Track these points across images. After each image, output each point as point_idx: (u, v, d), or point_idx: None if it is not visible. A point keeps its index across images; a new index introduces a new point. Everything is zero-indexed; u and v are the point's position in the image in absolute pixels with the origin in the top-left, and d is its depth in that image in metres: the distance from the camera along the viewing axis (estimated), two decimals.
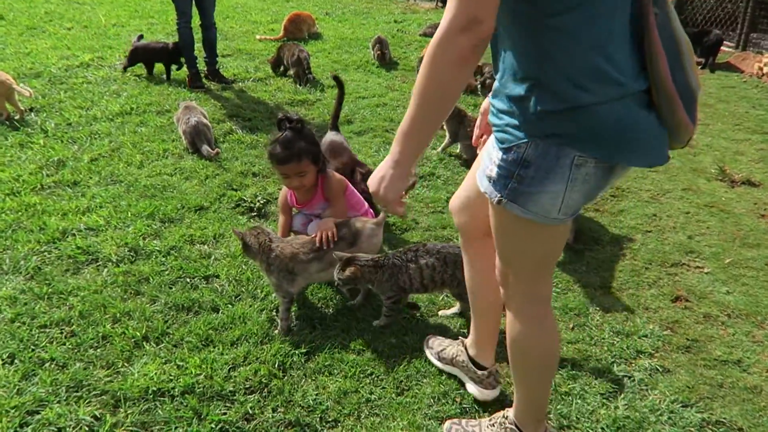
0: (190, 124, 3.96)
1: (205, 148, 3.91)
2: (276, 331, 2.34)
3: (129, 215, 3.16)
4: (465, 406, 2.04)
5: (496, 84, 1.40)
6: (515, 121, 1.32)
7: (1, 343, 2.21)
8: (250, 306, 2.48)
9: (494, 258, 1.64)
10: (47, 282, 2.58)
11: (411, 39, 7.70)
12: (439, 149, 4.20)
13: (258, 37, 7.35)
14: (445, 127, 4.13)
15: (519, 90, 1.30)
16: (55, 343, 2.23)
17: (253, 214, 3.28)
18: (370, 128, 4.65)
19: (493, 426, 1.85)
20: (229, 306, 2.49)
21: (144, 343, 2.26)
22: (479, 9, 1.13)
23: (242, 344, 2.27)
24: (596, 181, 1.34)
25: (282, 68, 5.94)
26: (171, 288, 2.60)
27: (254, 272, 2.70)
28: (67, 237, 2.93)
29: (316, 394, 2.06)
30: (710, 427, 2.00)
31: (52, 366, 2.12)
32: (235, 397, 2.03)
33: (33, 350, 2.18)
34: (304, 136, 2.44)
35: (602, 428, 1.97)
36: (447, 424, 1.95)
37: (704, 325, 2.51)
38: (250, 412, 1.98)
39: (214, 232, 3.04)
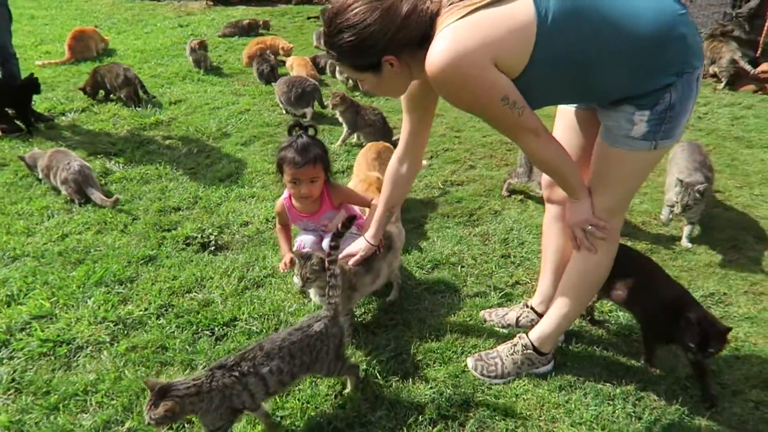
0: (73, 170, 3.36)
1: (98, 196, 3.37)
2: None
3: (73, 288, 2.63)
4: None
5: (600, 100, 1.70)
6: (651, 85, 1.53)
7: None
8: None
9: None
10: (45, 391, 2.07)
11: (214, 42, 7.31)
12: (338, 143, 4.26)
13: (39, 63, 6.25)
14: (341, 119, 4.21)
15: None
16: None
17: (211, 248, 2.99)
18: (253, 136, 4.47)
19: (514, 354, 2.09)
20: None
21: None
22: (531, 125, 1.61)
23: None
24: (698, 87, 1.60)
25: (103, 93, 5.25)
26: (194, 346, 2.30)
27: (275, 302, 2.54)
28: (17, 334, 2.35)
29: (430, 388, 2.10)
30: None
31: None
32: (366, 419, 1.98)
33: None
34: (317, 142, 2.39)
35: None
36: (470, 360, 2.15)
37: None
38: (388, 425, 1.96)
39: (191, 277, 2.71)
